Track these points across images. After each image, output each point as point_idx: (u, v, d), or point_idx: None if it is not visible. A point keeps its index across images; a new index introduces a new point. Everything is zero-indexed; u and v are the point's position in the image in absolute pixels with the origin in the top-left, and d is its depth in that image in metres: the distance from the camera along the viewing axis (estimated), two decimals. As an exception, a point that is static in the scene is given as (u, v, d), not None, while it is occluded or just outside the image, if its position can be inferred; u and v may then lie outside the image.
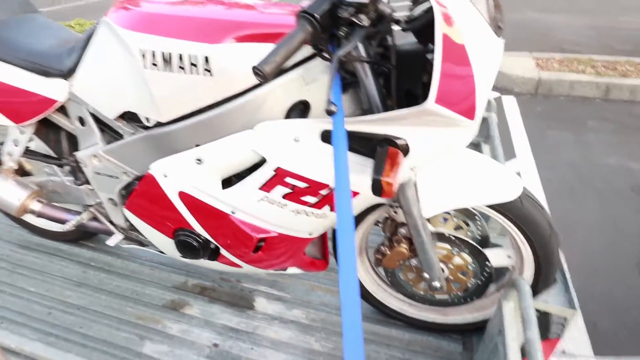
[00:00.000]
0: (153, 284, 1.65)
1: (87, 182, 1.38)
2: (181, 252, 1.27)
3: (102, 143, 1.26)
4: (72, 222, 1.41)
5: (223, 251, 1.25)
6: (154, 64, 0.99)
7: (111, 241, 1.38)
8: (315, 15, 0.74)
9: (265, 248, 1.19)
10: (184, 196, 1.14)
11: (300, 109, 0.98)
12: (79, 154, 1.30)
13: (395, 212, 1.19)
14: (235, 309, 1.53)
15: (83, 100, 1.21)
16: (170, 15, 1.00)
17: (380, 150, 0.90)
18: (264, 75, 0.72)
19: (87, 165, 1.29)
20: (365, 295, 1.39)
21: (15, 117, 1.29)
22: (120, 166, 1.24)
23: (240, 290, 1.62)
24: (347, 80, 0.95)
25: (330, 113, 0.73)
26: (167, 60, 0.98)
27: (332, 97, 0.75)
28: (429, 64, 0.87)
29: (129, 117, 1.18)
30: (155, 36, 0.98)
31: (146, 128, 1.16)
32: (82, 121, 1.28)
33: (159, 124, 1.11)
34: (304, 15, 0.75)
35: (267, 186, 1.03)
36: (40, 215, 1.42)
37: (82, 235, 1.81)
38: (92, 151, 1.27)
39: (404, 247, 1.18)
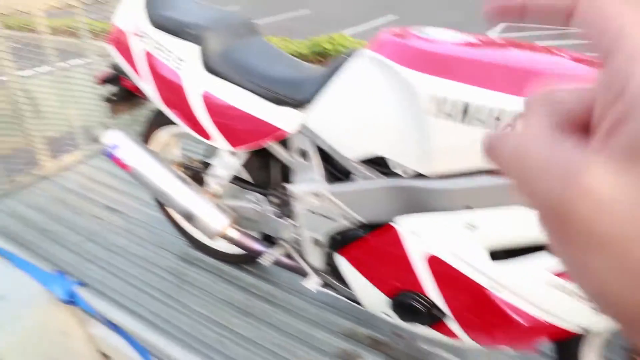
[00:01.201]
0: (321, 327, 1.54)
1: (290, 216, 1.30)
2: (398, 312, 1.13)
3: (324, 181, 1.17)
4: (268, 257, 1.33)
5: (450, 322, 1.08)
6: (446, 113, 0.86)
7: (309, 284, 1.28)
8: None
9: (510, 329, 1.00)
10: (433, 260, 0.99)
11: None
12: (294, 188, 1.21)
13: None
14: (419, 375, 1.36)
15: (316, 134, 1.12)
16: (470, 59, 0.86)
17: None
18: None
19: (301, 201, 1.20)
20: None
21: (235, 141, 1.24)
22: (344, 210, 1.13)
23: (417, 350, 1.45)
24: None
25: None
26: (465, 111, 0.84)
27: None
28: None
29: (373, 160, 1.06)
30: (455, 82, 0.85)
31: (391, 175, 1.04)
32: (304, 154, 1.19)
33: (418, 175, 0.97)
34: None
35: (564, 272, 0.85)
36: (235, 243, 1.37)
37: (244, 260, 1.75)
38: (312, 188, 1.17)
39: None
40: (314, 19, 6.53)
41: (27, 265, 0.94)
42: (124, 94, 1.54)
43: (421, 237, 0.98)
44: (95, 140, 1.30)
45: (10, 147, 2.26)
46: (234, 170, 1.35)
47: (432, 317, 1.11)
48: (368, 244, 1.09)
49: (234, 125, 1.22)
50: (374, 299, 1.19)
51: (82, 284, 0.87)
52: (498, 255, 0.95)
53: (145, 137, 1.61)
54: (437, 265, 0.99)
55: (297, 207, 1.23)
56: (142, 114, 2.86)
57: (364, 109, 1.01)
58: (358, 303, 1.29)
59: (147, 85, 1.32)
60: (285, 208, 1.28)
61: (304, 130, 1.15)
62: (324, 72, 1.10)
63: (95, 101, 2.59)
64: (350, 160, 1.08)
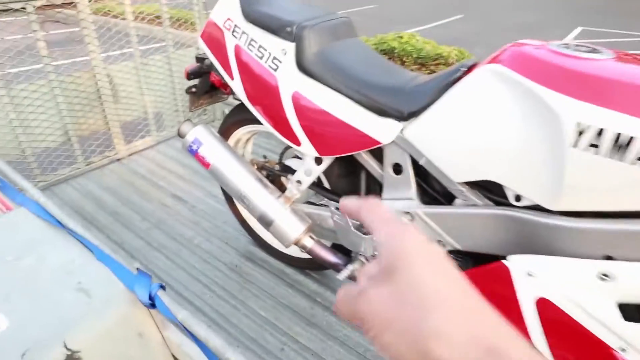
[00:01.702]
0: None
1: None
2: None
3: (417, 200, 1.07)
4: (345, 272, 1.26)
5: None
6: (593, 145, 0.73)
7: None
8: None
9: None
10: (545, 304, 0.87)
11: None
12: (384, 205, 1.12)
13: None
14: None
15: (416, 149, 1.02)
16: (629, 83, 0.73)
17: None
18: None
19: (389, 218, 1.11)
20: None
21: (323, 148, 1.17)
22: (439, 234, 1.03)
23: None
24: None
25: None
26: (617, 145, 0.71)
27: None
28: None
29: (480, 184, 0.95)
30: (609, 110, 0.72)
31: (502, 203, 0.92)
32: (397, 169, 1.10)
33: (538, 209, 0.85)
34: None
35: None
36: (309, 252, 1.30)
37: (308, 265, 1.69)
38: (404, 206, 1.08)
39: None
40: (379, 15, 6.36)
41: (110, 261, 0.91)
42: (206, 88, 1.52)
43: (534, 279, 0.86)
44: (180, 134, 1.28)
45: (89, 129, 2.34)
46: (315, 176, 1.28)
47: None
48: (473, 275, 0.98)
49: (323, 130, 1.14)
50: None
51: (163, 286, 0.82)
52: (627, 310, 0.81)
53: (223, 134, 1.58)
54: (549, 310, 0.87)
55: (383, 223, 1.14)
56: (220, 110, 2.90)
57: (483, 128, 0.90)
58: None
59: (234, 82, 1.28)
60: (368, 222, 1.20)
61: (402, 143, 1.06)
62: (435, 83, 1.00)
63: (170, 90, 2.63)
64: (454, 181, 0.98)
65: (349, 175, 1.31)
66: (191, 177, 2.31)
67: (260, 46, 1.19)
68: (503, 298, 0.93)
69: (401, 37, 4.63)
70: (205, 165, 1.32)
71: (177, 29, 2.71)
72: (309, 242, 1.30)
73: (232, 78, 1.28)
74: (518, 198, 0.89)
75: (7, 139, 2.02)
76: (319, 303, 1.60)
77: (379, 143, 1.07)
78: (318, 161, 1.25)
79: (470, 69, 0.98)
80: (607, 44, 0.90)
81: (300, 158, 1.64)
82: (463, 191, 0.97)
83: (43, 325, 0.86)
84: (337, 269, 1.28)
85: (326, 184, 1.37)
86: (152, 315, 1.03)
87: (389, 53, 4.48)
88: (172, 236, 1.90)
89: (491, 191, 0.94)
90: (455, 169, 0.96)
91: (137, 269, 1.02)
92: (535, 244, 0.87)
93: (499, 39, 6.06)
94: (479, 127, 0.90)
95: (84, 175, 2.33)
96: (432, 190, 1.08)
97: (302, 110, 1.15)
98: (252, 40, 1.20)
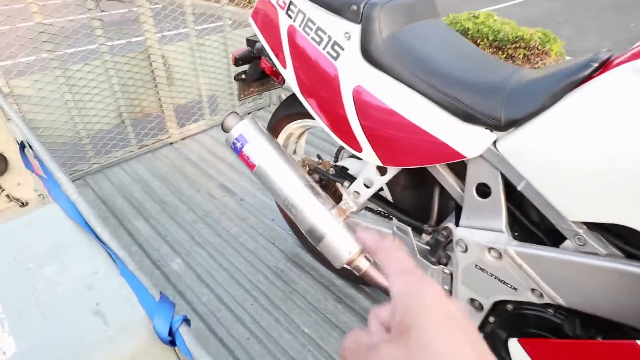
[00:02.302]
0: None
1: (441, 260, 0.99)
2: None
3: (508, 234, 0.83)
4: None
5: None
6: None
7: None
8: None
9: None
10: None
11: None
12: (462, 233, 0.89)
13: None
14: None
15: (515, 170, 0.77)
16: None
17: None
18: None
19: (470, 251, 0.88)
20: None
21: (388, 157, 0.95)
22: (536, 282, 0.78)
23: None
24: None
25: None
26: None
27: None
28: None
29: (607, 227, 0.69)
30: None
31: (636, 257, 0.66)
32: (482, 191, 0.86)
33: None
34: None
35: None
36: (363, 275, 1.10)
37: (360, 279, 1.49)
38: (489, 239, 0.84)
39: None
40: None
41: (134, 281, 0.75)
42: (256, 75, 1.34)
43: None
44: (224, 128, 1.10)
45: (142, 112, 2.28)
46: (376, 188, 1.07)
47: None
48: (577, 348, 0.73)
49: (390, 135, 0.92)
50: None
51: (187, 320, 0.65)
52: None
53: (274, 127, 1.40)
54: None
55: (460, 256, 0.91)
56: (277, 94, 2.74)
57: (627, 149, 0.63)
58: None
59: (287, 70, 1.09)
60: (436, 248, 0.97)
61: (493, 159, 0.81)
62: (549, 82, 0.74)
63: (226, 72, 2.51)
64: (568, 219, 0.72)
65: (418, 187, 1.09)
66: (242, 167, 2.18)
67: (318, 28, 0.98)
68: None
69: (476, 17, 4.17)
70: (250, 166, 1.15)
71: (236, 7, 2.56)
72: (364, 264, 1.09)
73: (284, 66, 1.09)
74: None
75: (63, 119, 2.00)
76: (370, 324, 1.41)
77: (463, 157, 0.83)
78: (382, 171, 1.03)
79: (604, 65, 0.70)
80: None
81: (360, 158, 1.44)
82: (579, 233, 0.72)
83: (52, 352, 0.74)
84: (395, 297, 1.07)
85: (388, 196, 1.15)
86: (172, 352, 0.89)
87: (462, 35, 4.07)
88: (217, 231, 1.79)
89: (622, 238, 0.68)
90: (571, 203, 0.71)
91: (160, 293, 0.87)
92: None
93: (593, 21, 5.29)
94: (619, 147, 0.64)
95: (137, 158, 2.29)
96: (530, 223, 0.83)
97: (366, 108, 0.93)
98: (309, 20, 1.00)
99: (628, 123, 0.63)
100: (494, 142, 0.80)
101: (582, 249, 0.72)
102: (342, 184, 1.20)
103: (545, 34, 3.76)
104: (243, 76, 1.37)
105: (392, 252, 0.32)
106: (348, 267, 1.08)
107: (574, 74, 0.71)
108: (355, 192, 1.10)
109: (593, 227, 0.71)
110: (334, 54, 0.95)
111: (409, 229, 1.01)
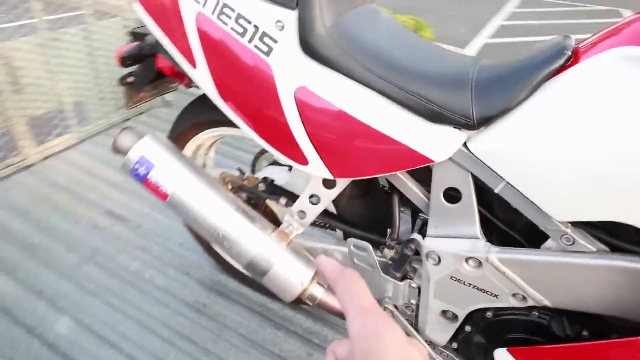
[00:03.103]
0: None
1: (407, 275, 0.89)
2: None
3: (484, 239, 0.76)
4: None
5: None
6: None
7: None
8: None
9: None
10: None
11: None
12: (432, 245, 0.80)
13: None
14: None
15: (491, 172, 0.70)
16: None
17: None
18: None
19: (443, 263, 0.79)
20: None
21: (341, 168, 0.81)
22: (520, 287, 0.73)
23: None
24: None
25: None
26: None
27: None
28: None
29: (596, 224, 0.66)
30: None
31: (624, 250, 0.64)
32: (451, 196, 0.77)
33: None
34: None
35: None
36: (319, 305, 0.95)
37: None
38: (466, 249, 0.76)
39: None
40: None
41: None
42: (149, 77, 1.07)
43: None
44: (116, 150, 0.83)
45: (-20, 130, 1.75)
46: (324, 205, 0.92)
47: None
48: (573, 351, 0.69)
49: (343, 143, 0.78)
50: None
51: None
52: None
53: (178, 139, 1.15)
54: None
55: (431, 268, 0.82)
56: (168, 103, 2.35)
57: (614, 144, 0.59)
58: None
59: (198, 70, 0.86)
60: (401, 264, 0.87)
61: (465, 160, 0.73)
62: (520, 73, 0.67)
63: (93, 72, 2.07)
64: (555, 219, 0.67)
65: (366, 195, 0.97)
66: (131, 185, 1.82)
67: (239, 16, 0.78)
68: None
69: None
70: (161, 195, 0.91)
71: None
72: (318, 292, 0.94)
73: (193, 65, 0.86)
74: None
75: None
76: (317, 346, 1.28)
77: (430, 161, 0.73)
78: (329, 184, 0.89)
79: (575, 53, 0.66)
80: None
81: (279, 164, 1.27)
82: (566, 233, 0.67)
83: None
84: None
85: (330, 207, 1.02)
86: None
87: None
88: (113, 271, 1.45)
89: (615, 234, 0.65)
90: (558, 203, 0.66)
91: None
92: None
93: (449, 9, 5.90)
94: (605, 142, 0.59)
95: (-20, 191, 1.76)
96: (505, 226, 0.77)
97: (312, 113, 0.77)
98: (225, 6, 0.79)
99: (615, 112, 0.59)
100: (466, 142, 0.72)
101: (570, 248, 0.68)
102: (276, 201, 1.02)
103: (417, 21, 4.00)
104: (131, 79, 1.08)
105: (352, 287, 0.32)
106: (301, 298, 0.93)
107: (547, 63, 0.65)
108: (301, 211, 0.94)
109: (578, 224, 0.67)
110: (265, 49, 0.77)
111: (368, 245, 0.89)
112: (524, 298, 0.75)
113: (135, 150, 0.89)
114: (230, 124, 1.03)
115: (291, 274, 0.91)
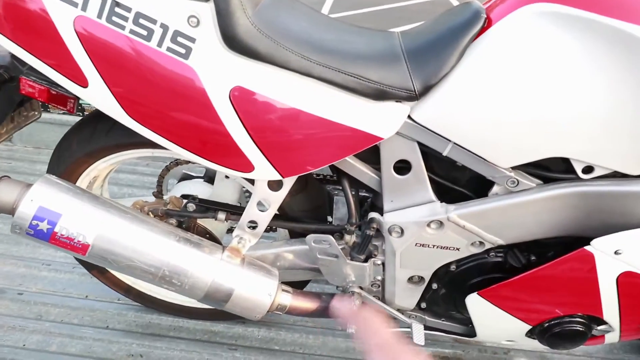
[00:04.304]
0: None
1: (371, 255, 0.91)
2: (551, 342, 0.89)
3: (439, 202, 0.81)
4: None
5: (610, 334, 0.90)
6: None
7: (418, 337, 0.92)
8: None
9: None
10: (629, 277, 0.76)
11: None
12: (393, 219, 0.82)
13: None
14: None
15: (437, 137, 0.74)
16: None
17: None
18: None
19: (406, 233, 0.82)
20: None
21: (288, 166, 0.76)
22: (479, 235, 0.80)
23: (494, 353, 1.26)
24: None
25: None
26: None
27: None
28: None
29: (533, 163, 0.74)
30: None
31: (560, 180, 0.75)
32: (401, 168, 0.80)
33: (615, 177, 0.71)
34: None
35: None
36: (292, 311, 0.90)
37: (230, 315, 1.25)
38: (428, 213, 0.80)
39: None
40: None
41: None
42: (7, 106, 0.84)
43: (624, 255, 0.73)
44: (2, 209, 0.65)
45: None
46: (274, 209, 0.86)
47: (585, 336, 0.90)
48: (537, 276, 0.79)
49: (289, 138, 0.73)
50: (504, 331, 0.93)
51: None
52: None
53: (68, 174, 0.94)
54: (633, 282, 0.76)
55: (396, 241, 0.84)
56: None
57: (538, 92, 0.67)
58: (460, 334, 1.01)
59: (91, 89, 0.70)
60: (365, 246, 0.88)
61: (411, 131, 0.75)
62: (446, 41, 0.71)
63: None
64: (501, 167, 0.74)
65: (306, 188, 0.94)
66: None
67: (139, 15, 0.64)
68: (579, 283, 0.78)
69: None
70: (79, 249, 0.75)
71: None
72: (285, 299, 0.91)
73: (83, 84, 0.70)
74: (588, 169, 0.72)
75: None
76: (279, 352, 1.22)
77: (380, 139, 0.74)
78: (275, 185, 0.83)
79: (488, 15, 0.72)
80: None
81: (192, 177, 1.15)
82: (511, 176, 0.75)
83: None
84: (327, 313, 0.93)
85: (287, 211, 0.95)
86: None
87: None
88: (5, 358, 1.15)
89: (546, 168, 0.75)
90: (502, 152, 0.73)
91: None
92: (611, 218, 0.73)
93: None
94: (531, 92, 0.67)
95: None
96: (452, 184, 0.83)
97: (253, 113, 0.70)
98: (117, 4, 0.64)
99: (537, 68, 0.66)
100: (409, 114, 0.74)
101: (515, 189, 0.76)
102: (214, 218, 0.92)
103: None
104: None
105: (371, 324, 0.37)
106: (272, 311, 0.87)
107: (468, 27, 0.70)
108: (251, 221, 0.86)
109: (519, 166, 0.76)
110: (182, 51, 0.66)
111: (329, 237, 0.87)
112: (481, 243, 0.82)
113: (28, 202, 0.71)
114: (133, 146, 0.88)
115: (256, 291, 0.85)
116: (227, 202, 1.00)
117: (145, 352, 1.19)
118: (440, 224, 0.80)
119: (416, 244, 0.84)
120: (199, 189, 1.07)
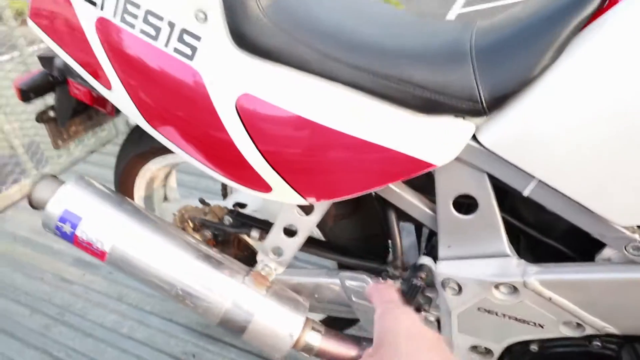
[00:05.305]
0: None
1: (422, 306, 0.71)
2: None
3: (516, 257, 0.57)
4: None
5: None
6: None
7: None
8: None
9: None
10: None
11: None
12: (448, 270, 0.61)
13: None
14: None
15: (516, 168, 0.51)
16: None
17: None
18: None
19: (465, 292, 0.61)
20: None
21: (315, 191, 0.62)
22: (571, 311, 0.55)
23: None
24: None
25: None
26: None
27: None
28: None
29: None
30: None
31: None
32: (463, 205, 0.59)
33: None
34: None
35: None
36: (321, 354, 0.77)
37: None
38: (496, 272, 0.58)
39: None
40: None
41: None
42: (70, 108, 0.88)
43: None
44: (33, 204, 0.63)
45: None
46: (305, 235, 0.73)
47: None
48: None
49: (312, 159, 0.59)
50: None
51: None
52: None
53: (126, 174, 0.96)
54: None
55: (451, 299, 0.63)
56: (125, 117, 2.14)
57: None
58: None
59: (114, 92, 0.67)
60: (412, 296, 0.69)
61: (477, 158, 0.54)
62: (534, 27, 0.48)
63: (40, 106, 1.87)
64: (617, 224, 0.49)
65: (357, 212, 0.78)
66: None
67: (148, 12, 0.58)
68: None
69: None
70: (98, 255, 0.72)
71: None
72: (315, 339, 0.77)
73: (108, 86, 0.67)
74: None
75: None
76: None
77: (432, 166, 0.54)
78: (306, 209, 0.70)
79: None
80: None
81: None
82: (633, 239, 0.48)
83: None
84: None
85: (317, 234, 0.83)
86: None
87: None
88: (85, 330, 1.26)
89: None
90: (617, 203, 0.47)
91: None
92: None
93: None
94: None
95: None
96: (540, 234, 0.58)
97: (262, 128, 0.58)
98: (128, 2, 0.59)
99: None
100: (474, 134, 0.53)
101: (638, 257, 0.49)
102: (248, 235, 0.83)
103: (388, -1, 3.78)
104: (51, 114, 0.89)
105: (382, 289, 0.44)
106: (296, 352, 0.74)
107: (575, 9, 0.46)
108: (276, 247, 0.75)
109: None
110: (188, 51, 0.57)
111: (365, 278, 0.70)
112: (579, 326, 0.56)
113: (55, 202, 0.71)
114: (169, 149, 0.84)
115: (277, 325, 0.73)
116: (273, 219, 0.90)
117: (198, 353, 1.19)
118: (514, 289, 0.57)
119: (479, 308, 0.62)
120: (255, 198, 1.00)
